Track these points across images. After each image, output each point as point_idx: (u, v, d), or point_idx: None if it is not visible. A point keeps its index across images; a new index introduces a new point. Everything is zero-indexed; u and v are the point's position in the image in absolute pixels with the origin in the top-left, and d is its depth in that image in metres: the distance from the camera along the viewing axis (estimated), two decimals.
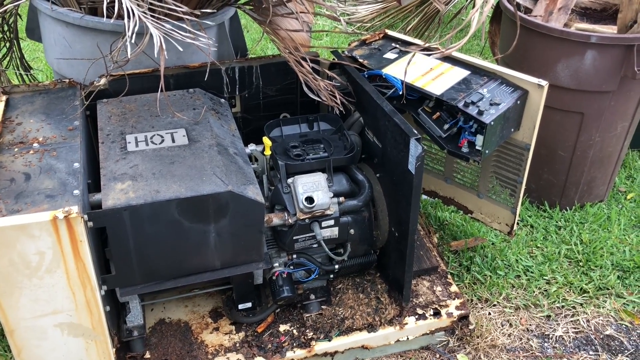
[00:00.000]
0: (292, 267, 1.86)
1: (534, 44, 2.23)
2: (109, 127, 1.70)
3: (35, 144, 1.59)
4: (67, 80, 1.86)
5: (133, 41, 1.45)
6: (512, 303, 2.13)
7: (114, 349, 1.63)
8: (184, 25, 1.57)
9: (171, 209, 1.48)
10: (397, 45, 2.08)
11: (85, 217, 1.40)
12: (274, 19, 1.90)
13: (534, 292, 2.17)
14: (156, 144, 1.64)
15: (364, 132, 1.94)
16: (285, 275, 1.82)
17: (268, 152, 1.81)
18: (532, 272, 2.24)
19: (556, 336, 2.03)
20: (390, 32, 2.19)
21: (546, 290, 2.18)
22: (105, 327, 1.52)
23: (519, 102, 1.87)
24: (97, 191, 1.55)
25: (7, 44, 2.27)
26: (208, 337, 1.82)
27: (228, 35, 2.14)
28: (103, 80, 1.83)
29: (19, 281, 1.37)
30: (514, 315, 2.09)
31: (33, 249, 1.34)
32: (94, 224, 1.44)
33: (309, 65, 1.88)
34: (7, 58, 2.31)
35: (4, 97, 1.77)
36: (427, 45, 1.77)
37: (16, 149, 1.57)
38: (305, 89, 1.88)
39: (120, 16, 1.56)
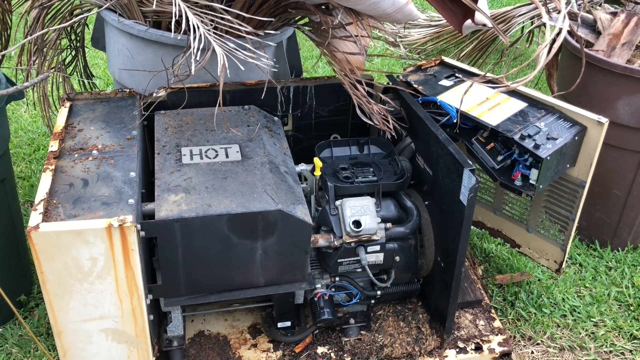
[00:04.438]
0: (334, 290, 1.85)
1: (594, 79, 2.17)
2: (165, 139, 1.74)
3: (95, 151, 1.63)
4: (128, 90, 1.91)
5: (198, 57, 1.49)
6: (557, 343, 2.06)
7: (154, 358, 1.65)
8: (246, 45, 1.60)
9: (221, 224, 1.50)
10: (456, 74, 2.06)
11: (138, 226, 1.42)
12: (332, 41, 1.91)
13: (580, 333, 2.10)
14: (210, 158, 1.66)
15: (415, 158, 1.92)
16: (326, 297, 1.81)
17: (318, 173, 1.82)
18: (579, 313, 2.17)
19: None
20: (446, 59, 2.17)
21: (593, 333, 2.10)
22: (148, 335, 1.54)
23: (576, 137, 1.82)
24: (149, 200, 1.58)
25: (74, 52, 2.36)
26: (246, 353, 1.82)
27: (285, 55, 2.16)
28: (162, 92, 1.87)
29: (70, 285, 1.41)
30: (558, 356, 2.02)
31: (87, 255, 1.37)
32: (145, 234, 1.47)
33: (364, 89, 1.88)
34: (72, 65, 2.39)
35: (68, 104, 1.83)
36: (490, 77, 1.74)
37: (76, 155, 1.62)
38: (358, 112, 1.88)
39: (184, 31, 1.60)
